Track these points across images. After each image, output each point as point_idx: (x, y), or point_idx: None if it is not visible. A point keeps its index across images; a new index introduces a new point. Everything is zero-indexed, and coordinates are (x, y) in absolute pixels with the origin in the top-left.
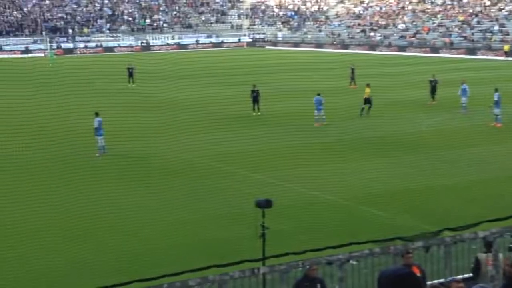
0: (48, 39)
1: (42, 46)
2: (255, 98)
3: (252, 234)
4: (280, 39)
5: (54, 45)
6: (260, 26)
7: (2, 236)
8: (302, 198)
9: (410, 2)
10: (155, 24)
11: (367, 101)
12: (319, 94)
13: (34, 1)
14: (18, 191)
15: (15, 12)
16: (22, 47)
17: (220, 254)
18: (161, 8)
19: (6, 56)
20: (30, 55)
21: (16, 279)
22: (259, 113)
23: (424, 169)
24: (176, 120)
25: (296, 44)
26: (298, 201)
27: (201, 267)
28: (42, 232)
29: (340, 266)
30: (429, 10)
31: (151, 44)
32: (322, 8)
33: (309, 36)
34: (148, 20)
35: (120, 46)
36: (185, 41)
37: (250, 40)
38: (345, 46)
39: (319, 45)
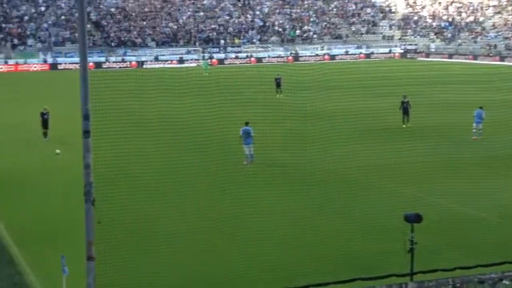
0: (201, 50)
1: (195, 56)
2: (405, 109)
3: (400, 248)
4: (433, 50)
5: (207, 56)
6: (412, 37)
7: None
8: (451, 213)
9: None
10: (304, 35)
11: None
12: (481, 108)
13: (189, 13)
14: (176, 196)
15: (171, 24)
16: (177, 57)
17: (366, 268)
18: (311, 19)
19: (161, 66)
20: (184, 65)
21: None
22: (409, 125)
23: None
24: (324, 131)
25: (449, 56)
26: (447, 216)
27: (346, 280)
28: (198, 235)
29: (492, 286)
30: None
31: (300, 54)
32: (478, 19)
33: (464, 47)
34: (298, 31)
35: (270, 57)
36: (334, 51)
37: (402, 51)
38: (502, 58)
39: (474, 56)
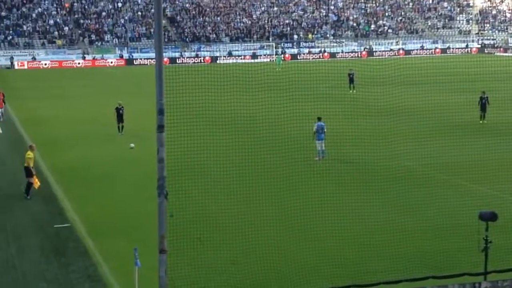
0: (274, 45)
1: (268, 52)
2: (483, 105)
3: (473, 247)
4: (511, 45)
5: (280, 51)
6: (490, 31)
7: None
8: None
9: None
10: (379, 30)
11: None
12: None
13: (263, 8)
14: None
15: (245, 19)
16: (250, 52)
17: (438, 266)
18: (386, 14)
19: (235, 61)
20: (257, 60)
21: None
22: (485, 121)
23: None
24: (397, 127)
25: None
26: None
27: (418, 277)
28: (268, 231)
29: None
30: None
31: (374, 49)
32: None
33: None
34: (372, 26)
35: (343, 52)
36: (409, 46)
37: (479, 46)
38: None
39: None
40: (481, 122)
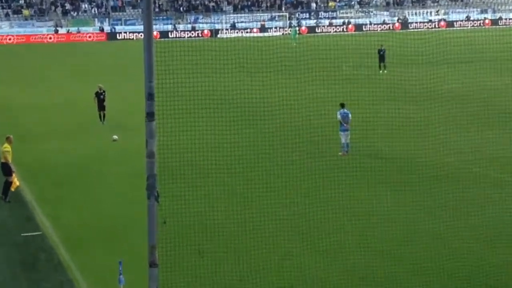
0: (288, 15)
1: (280, 24)
2: None
3: None
4: None
5: (295, 23)
6: None
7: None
8: None
9: None
10: None
11: None
12: None
13: None
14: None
15: None
16: (258, 24)
17: (489, 285)
18: None
19: (239, 35)
20: (267, 34)
21: None
22: None
23: None
24: (438, 115)
25: None
26: None
27: None
28: (279, 239)
29: None
30: None
31: (409, 21)
32: None
33: None
34: None
35: (372, 24)
36: (452, 17)
37: None
38: None
39: None
40: None
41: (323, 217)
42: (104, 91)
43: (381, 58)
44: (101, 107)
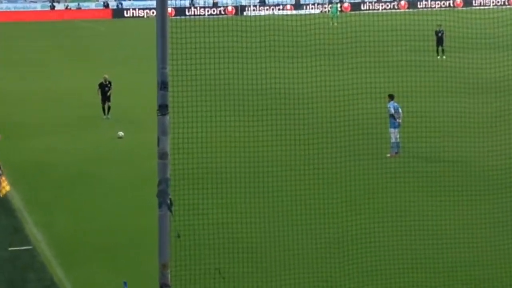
0: None
1: (319, 0)
2: None
3: None
4: None
5: None
6: None
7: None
8: None
9: None
10: None
11: None
12: None
13: None
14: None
15: None
16: (292, 0)
17: None
18: None
19: (270, 12)
20: (302, 11)
21: None
22: None
23: None
24: (507, 110)
25: None
26: None
27: None
28: (311, 255)
29: None
30: None
31: None
32: None
33: None
34: None
35: (427, 1)
36: None
37: None
38: None
39: None
40: None
41: (367, 231)
42: (110, 83)
43: (439, 40)
44: (106, 99)
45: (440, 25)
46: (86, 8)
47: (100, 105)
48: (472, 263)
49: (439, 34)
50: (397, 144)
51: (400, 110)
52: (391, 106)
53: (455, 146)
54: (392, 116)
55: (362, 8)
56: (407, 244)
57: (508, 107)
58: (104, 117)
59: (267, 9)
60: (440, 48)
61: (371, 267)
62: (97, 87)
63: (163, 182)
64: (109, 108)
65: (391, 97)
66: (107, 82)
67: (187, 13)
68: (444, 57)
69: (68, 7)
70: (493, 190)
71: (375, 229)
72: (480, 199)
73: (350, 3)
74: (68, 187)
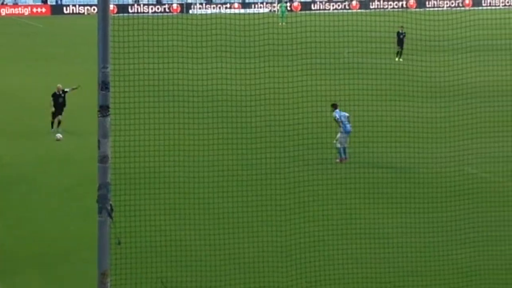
0: None
1: None
2: None
3: None
4: None
5: None
6: None
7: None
8: None
9: None
10: None
11: None
12: None
13: None
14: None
15: None
16: None
17: None
18: None
19: (216, 11)
20: (250, 10)
21: None
22: None
23: None
24: (465, 115)
25: None
26: None
27: None
28: (261, 265)
29: None
30: None
31: None
32: None
33: None
34: None
35: (380, 0)
36: None
37: None
38: None
39: None
40: None
41: (316, 239)
42: (64, 92)
43: (400, 42)
44: (58, 111)
45: (402, 27)
46: (22, 4)
47: (50, 118)
48: (419, 272)
49: (401, 36)
50: (344, 150)
51: (346, 118)
52: (337, 114)
53: (405, 152)
54: (341, 122)
55: (313, 7)
56: (354, 253)
57: (462, 112)
58: (52, 130)
59: (213, 8)
60: (400, 50)
61: (318, 276)
62: (51, 98)
63: (103, 186)
64: (59, 122)
65: (334, 106)
66: (61, 92)
67: (130, 10)
68: (401, 59)
69: (4, 2)
70: (442, 198)
71: (323, 237)
72: (429, 206)
73: (300, 2)
74: (3, 191)
